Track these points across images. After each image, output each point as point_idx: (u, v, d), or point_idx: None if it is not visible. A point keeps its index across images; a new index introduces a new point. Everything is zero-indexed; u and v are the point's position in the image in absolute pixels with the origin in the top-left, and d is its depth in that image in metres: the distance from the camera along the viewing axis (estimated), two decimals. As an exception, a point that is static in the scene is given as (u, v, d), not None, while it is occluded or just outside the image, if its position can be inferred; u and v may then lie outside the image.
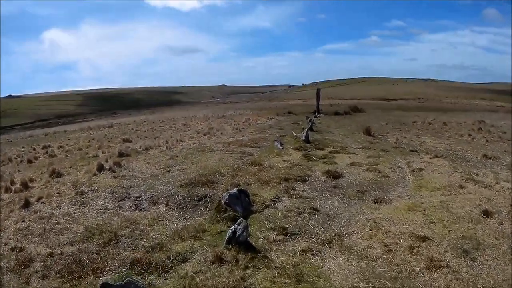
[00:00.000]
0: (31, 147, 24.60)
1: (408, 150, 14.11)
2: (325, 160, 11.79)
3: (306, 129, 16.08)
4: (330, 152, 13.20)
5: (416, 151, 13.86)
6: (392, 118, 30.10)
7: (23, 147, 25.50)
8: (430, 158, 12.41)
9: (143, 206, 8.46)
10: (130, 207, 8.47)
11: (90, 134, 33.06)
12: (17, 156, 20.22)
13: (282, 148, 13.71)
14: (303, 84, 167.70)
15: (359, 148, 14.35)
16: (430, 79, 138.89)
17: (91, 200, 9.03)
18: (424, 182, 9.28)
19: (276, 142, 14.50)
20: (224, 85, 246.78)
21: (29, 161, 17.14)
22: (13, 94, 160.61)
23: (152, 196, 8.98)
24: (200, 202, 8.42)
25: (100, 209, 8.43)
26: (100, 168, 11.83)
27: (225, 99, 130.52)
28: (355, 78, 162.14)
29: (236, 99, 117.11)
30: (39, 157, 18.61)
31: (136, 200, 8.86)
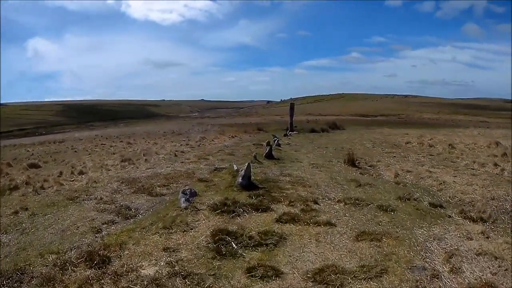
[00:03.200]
0: None
1: (426, 204, 7.48)
2: (257, 254, 4.85)
3: (247, 163, 8.86)
4: (279, 218, 6.15)
5: (442, 207, 7.32)
6: (378, 137, 23.49)
7: None
8: (479, 231, 5.82)
9: None
10: None
11: (27, 151, 26.28)
12: None
13: (187, 207, 6.76)
14: (281, 100, 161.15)
15: (338, 201, 7.55)
16: (410, 95, 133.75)
17: None
18: None
19: (182, 195, 7.32)
20: (203, 99, 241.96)
21: None
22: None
23: None
24: None
25: None
26: None
27: (203, 114, 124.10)
28: (333, 94, 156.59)
29: (214, 114, 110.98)
30: None
31: None
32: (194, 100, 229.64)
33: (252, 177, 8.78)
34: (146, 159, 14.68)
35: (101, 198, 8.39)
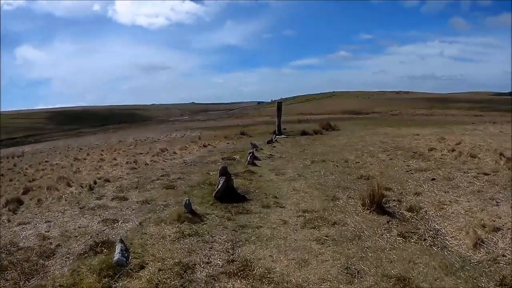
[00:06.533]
0: None
1: None
2: None
3: None
4: None
5: None
6: (385, 140, 17.18)
7: None
8: None
9: None
10: None
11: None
12: None
13: None
14: (271, 100, 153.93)
15: None
16: (402, 91, 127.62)
17: None
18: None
19: None
20: (193, 102, 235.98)
21: None
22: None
23: None
24: None
25: None
26: None
27: (194, 116, 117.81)
28: (324, 93, 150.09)
29: (205, 117, 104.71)
30: None
31: None
32: (185, 103, 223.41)
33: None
34: (38, 201, 8.81)
35: None
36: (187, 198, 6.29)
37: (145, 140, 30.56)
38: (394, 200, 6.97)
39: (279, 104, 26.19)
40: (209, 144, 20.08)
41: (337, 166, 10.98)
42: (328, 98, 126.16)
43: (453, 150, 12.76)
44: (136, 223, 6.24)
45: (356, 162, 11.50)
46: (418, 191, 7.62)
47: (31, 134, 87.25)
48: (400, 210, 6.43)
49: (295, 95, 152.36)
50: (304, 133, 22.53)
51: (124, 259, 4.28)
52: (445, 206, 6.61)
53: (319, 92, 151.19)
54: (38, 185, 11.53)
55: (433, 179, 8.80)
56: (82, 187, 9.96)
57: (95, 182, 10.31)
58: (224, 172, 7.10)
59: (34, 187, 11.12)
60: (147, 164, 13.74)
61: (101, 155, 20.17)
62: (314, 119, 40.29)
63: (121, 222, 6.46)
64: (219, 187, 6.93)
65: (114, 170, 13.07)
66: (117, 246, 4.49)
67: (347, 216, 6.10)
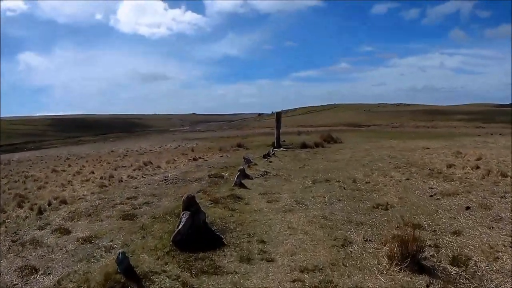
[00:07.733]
0: None
1: None
2: None
3: None
4: None
5: None
6: (393, 155, 15.25)
7: None
8: None
9: None
10: None
11: None
12: None
13: None
14: (272, 112, 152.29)
15: None
16: (401, 103, 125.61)
17: None
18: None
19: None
20: (194, 113, 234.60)
21: None
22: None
23: None
24: None
25: None
26: None
27: (194, 127, 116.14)
28: (325, 105, 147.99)
29: (205, 128, 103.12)
30: None
31: None
32: (186, 113, 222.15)
33: None
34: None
35: None
36: (120, 251, 4.14)
37: (137, 150, 28.63)
38: (429, 245, 4.90)
39: (278, 114, 24.25)
40: (200, 157, 18.14)
41: (344, 188, 8.94)
42: (328, 110, 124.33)
43: (477, 167, 10.81)
44: (56, 278, 4.22)
45: (366, 182, 9.51)
46: (456, 228, 5.58)
47: (32, 141, 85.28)
48: (441, 263, 4.39)
49: (296, 107, 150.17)
50: (304, 145, 20.61)
51: None
52: (499, 253, 4.61)
53: (320, 104, 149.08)
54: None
55: (468, 207, 6.79)
56: (32, 210, 8.05)
57: (49, 204, 8.44)
58: (189, 204, 4.99)
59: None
60: (122, 181, 11.83)
61: (83, 166, 18.49)
62: (314, 131, 38.57)
63: (40, 274, 4.53)
64: (180, 227, 4.81)
65: (83, 186, 11.31)
66: None
67: (366, 278, 4.03)
